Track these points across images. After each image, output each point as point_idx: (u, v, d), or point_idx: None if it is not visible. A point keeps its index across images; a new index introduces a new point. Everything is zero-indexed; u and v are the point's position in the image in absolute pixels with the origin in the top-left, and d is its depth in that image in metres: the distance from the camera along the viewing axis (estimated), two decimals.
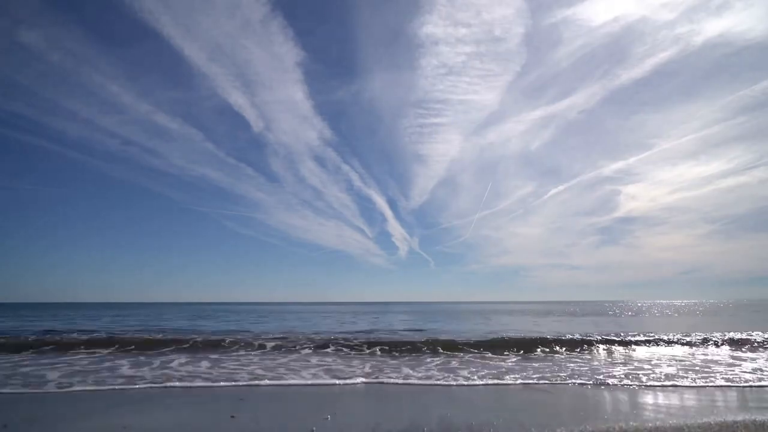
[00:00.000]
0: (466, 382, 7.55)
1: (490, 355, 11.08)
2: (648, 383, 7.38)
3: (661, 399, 6.26)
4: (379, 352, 11.42)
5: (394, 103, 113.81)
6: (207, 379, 7.77)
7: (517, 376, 8.11)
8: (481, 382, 7.54)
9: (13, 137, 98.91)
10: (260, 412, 5.63)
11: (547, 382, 7.55)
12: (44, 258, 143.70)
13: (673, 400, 6.21)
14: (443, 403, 6.04)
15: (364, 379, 7.75)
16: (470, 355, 11.11)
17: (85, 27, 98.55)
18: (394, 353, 11.27)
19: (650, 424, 4.81)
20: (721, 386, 7.20)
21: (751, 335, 14.22)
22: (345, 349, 11.76)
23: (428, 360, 10.27)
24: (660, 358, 10.55)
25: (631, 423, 4.86)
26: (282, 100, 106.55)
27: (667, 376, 7.96)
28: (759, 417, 5.11)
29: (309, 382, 7.59)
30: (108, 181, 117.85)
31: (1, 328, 18.89)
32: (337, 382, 7.53)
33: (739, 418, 5.08)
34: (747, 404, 5.96)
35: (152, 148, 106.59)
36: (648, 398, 6.30)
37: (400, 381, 7.68)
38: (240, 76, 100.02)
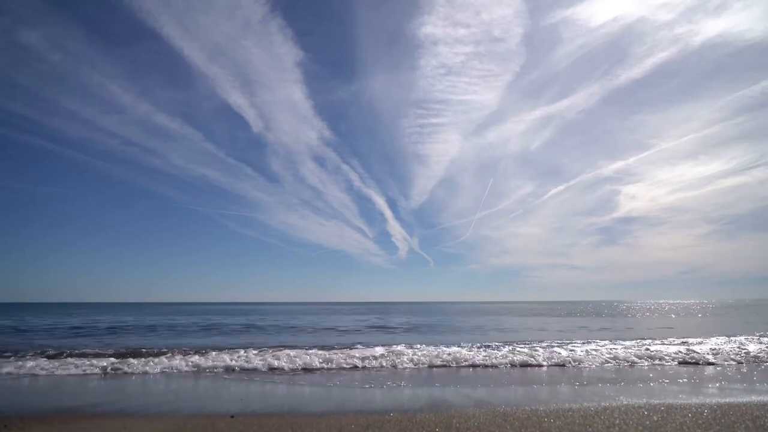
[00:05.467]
0: None
1: None
2: None
3: None
4: None
5: (394, 103, 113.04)
6: None
7: None
8: None
9: (13, 137, 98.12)
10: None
11: None
12: (44, 258, 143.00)
13: None
14: None
15: None
16: None
17: (85, 27, 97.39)
18: None
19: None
20: None
21: None
22: None
23: None
24: None
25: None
26: (281, 100, 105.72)
27: None
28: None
29: None
30: (108, 181, 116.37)
31: None
32: None
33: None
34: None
35: (152, 148, 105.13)
36: None
37: None
38: (239, 76, 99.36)
